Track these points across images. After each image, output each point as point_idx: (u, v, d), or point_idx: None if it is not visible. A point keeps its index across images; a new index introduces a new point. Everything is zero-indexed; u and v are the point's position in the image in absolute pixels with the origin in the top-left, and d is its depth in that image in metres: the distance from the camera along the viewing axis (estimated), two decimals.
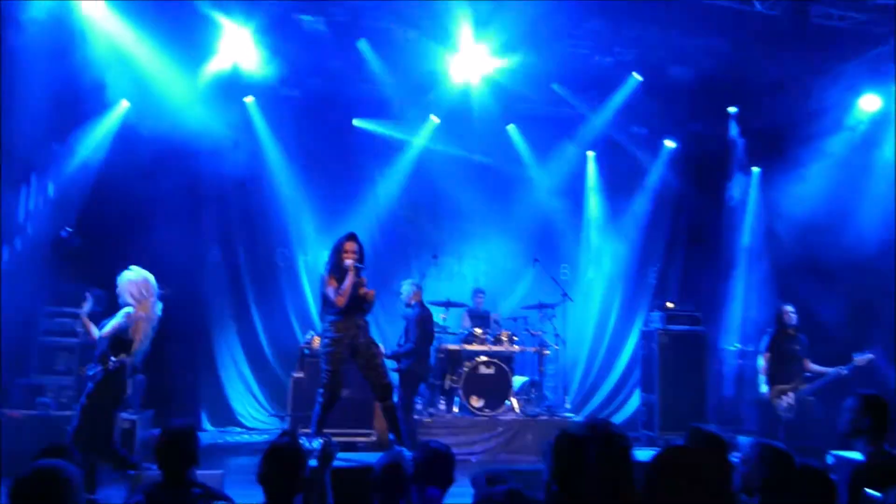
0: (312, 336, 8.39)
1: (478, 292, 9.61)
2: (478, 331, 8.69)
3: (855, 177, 8.54)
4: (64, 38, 7.02)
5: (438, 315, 8.72)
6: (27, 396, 7.02)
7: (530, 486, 2.75)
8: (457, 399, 8.29)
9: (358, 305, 5.67)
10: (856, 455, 4.08)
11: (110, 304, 5.63)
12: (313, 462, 3.58)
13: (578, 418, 8.81)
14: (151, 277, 5.56)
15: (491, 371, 8.23)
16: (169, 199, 8.42)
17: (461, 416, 8.25)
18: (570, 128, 10.44)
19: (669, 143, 10.76)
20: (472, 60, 8.29)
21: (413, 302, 7.79)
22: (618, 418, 10.19)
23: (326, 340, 5.60)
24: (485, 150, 10.59)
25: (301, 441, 3.28)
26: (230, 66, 8.31)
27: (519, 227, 10.54)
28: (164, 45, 7.87)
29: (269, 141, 9.86)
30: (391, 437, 5.93)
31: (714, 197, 10.56)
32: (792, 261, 9.15)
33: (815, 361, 7.41)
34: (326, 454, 3.70)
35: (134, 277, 5.47)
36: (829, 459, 4.94)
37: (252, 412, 9.75)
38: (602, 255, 11.23)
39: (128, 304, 5.38)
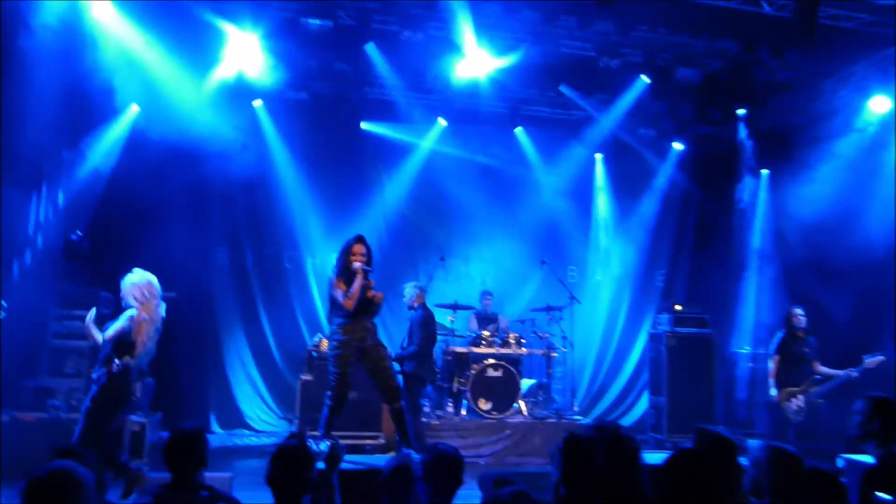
0: (320, 338, 8.40)
1: (486, 294, 9.61)
2: (485, 333, 8.69)
3: (864, 179, 8.49)
4: (74, 42, 7.06)
5: (446, 317, 8.73)
6: (37, 399, 7.05)
7: (538, 489, 2.75)
8: (464, 402, 8.29)
9: (366, 308, 5.67)
10: (866, 458, 4.06)
11: (119, 307, 5.66)
12: (321, 465, 3.59)
13: (586, 421, 8.79)
14: (155, 279, 5.58)
15: (499, 374, 8.22)
16: (177, 202, 8.46)
17: (469, 418, 8.25)
18: (577, 130, 10.45)
19: (677, 145, 10.73)
20: (479, 63, 8.29)
21: (416, 304, 7.79)
22: (626, 421, 10.17)
23: (334, 343, 5.61)
24: (492, 152, 10.62)
25: (309, 443, 3.29)
26: (238, 71, 8.34)
27: (526, 229, 10.54)
28: (173, 49, 7.90)
29: (278, 144, 9.91)
30: (398, 439, 5.92)
31: (722, 199, 10.54)
32: (801, 263, 9.11)
33: (825, 364, 7.37)
34: (334, 456, 3.70)
35: (137, 280, 5.49)
36: (840, 463, 4.91)
37: (260, 415, 9.77)
38: (610, 258, 11.22)
39: (131, 307, 5.41)
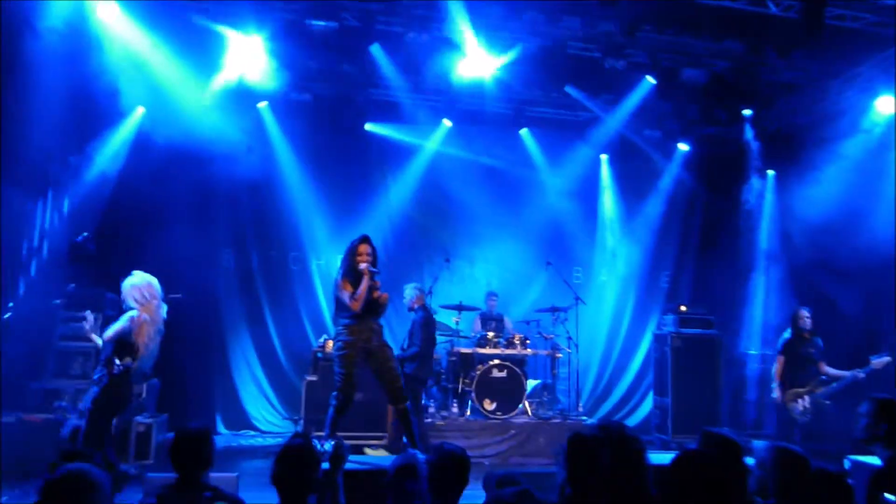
0: (325, 339, 8.42)
1: (491, 295, 9.61)
2: (490, 334, 8.69)
3: (870, 179, 8.46)
4: (79, 45, 7.09)
5: (451, 318, 8.74)
6: (44, 400, 7.08)
7: (542, 489, 2.75)
8: (469, 402, 8.29)
9: (372, 309, 5.67)
10: (873, 459, 4.05)
11: (123, 309, 5.68)
12: (325, 465, 3.59)
13: (591, 421, 8.79)
14: (155, 281, 5.60)
15: (503, 374, 8.23)
16: (183, 204, 8.49)
17: (474, 418, 8.25)
18: (582, 131, 10.45)
19: (683, 146, 10.71)
20: (483, 64, 8.29)
21: (416, 306, 7.82)
22: (631, 422, 10.14)
23: (340, 343, 5.60)
24: (497, 153, 10.62)
25: (313, 443, 3.30)
26: (243, 72, 8.36)
27: (531, 231, 10.55)
28: (178, 51, 7.94)
29: (282, 146, 9.95)
30: (404, 440, 5.92)
31: (728, 200, 10.51)
32: (808, 264, 9.08)
33: (831, 365, 7.34)
34: (338, 456, 3.70)
35: (137, 282, 5.51)
36: (846, 464, 4.89)
37: (266, 415, 9.79)
38: (615, 258, 11.21)
39: (131, 308, 5.43)
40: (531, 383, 8.75)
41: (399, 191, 10.58)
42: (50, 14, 6.67)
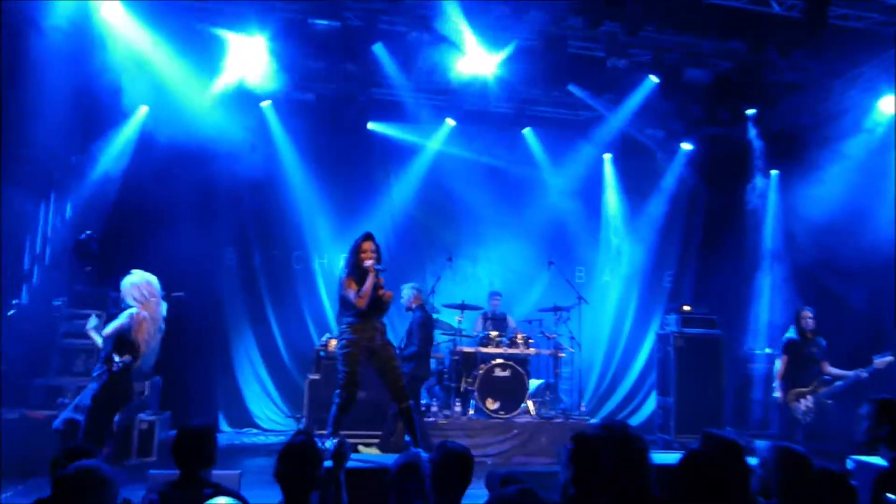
0: (328, 338, 8.43)
1: (494, 295, 9.61)
2: (493, 333, 8.70)
3: (874, 179, 8.45)
4: (83, 43, 7.11)
5: (454, 318, 8.75)
6: (47, 397, 7.11)
7: (545, 489, 2.75)
8: (472, 401, 8.30)
9: (376, 307, 5.67)
10: (877, 460, 4.04)
11: (123, 307, 5.70)
12: (328, 463, 3.60)
13: (594, 421, 8.79)
14: (154, 279, 5.63)
15: (506, 374, 8.23)
16: (186, 203, 8.51)
17: (476, 418, 8.25)
18: (585, 130, 10.44)
19: (686, 146, 10.70)
20: (486, 63, 8.29)
21: (414, 306, 7.86)
22: (634, 421, 10.13)
23: (343, 342, 5.61)
24: (499, 153, 10.62)
25: (316, 440, 3.31)
26: (246, 72, 8.37)
27: (534, 230, 10.54)
28: (181, 50, 7.95)
29: (285, 145, 9.95)
30: (407, 439, 5.93)
31: (731, 199, 10.50)
32: (811, 263, 9.07)
33: (834, 364, 7.34)
34: (340, 454, 3.71)
35: (136, 280, 5.55)
36: (850, 464, 4.88)
37: (269, 414, 9.81)
38: (618, 258, 11.20)
39: (130, 307, 5.45)
40: (534, 383, 8.75)
41: (402, 190, 10.58)
42: (54, 13, 6.69)
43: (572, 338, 8.99)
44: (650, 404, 10.35)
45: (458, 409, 8.39)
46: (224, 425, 9.44)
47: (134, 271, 5.62)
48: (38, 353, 7.28)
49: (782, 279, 9.90)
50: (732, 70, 8.55)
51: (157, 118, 8.42)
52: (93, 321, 5.78)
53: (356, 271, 5.61)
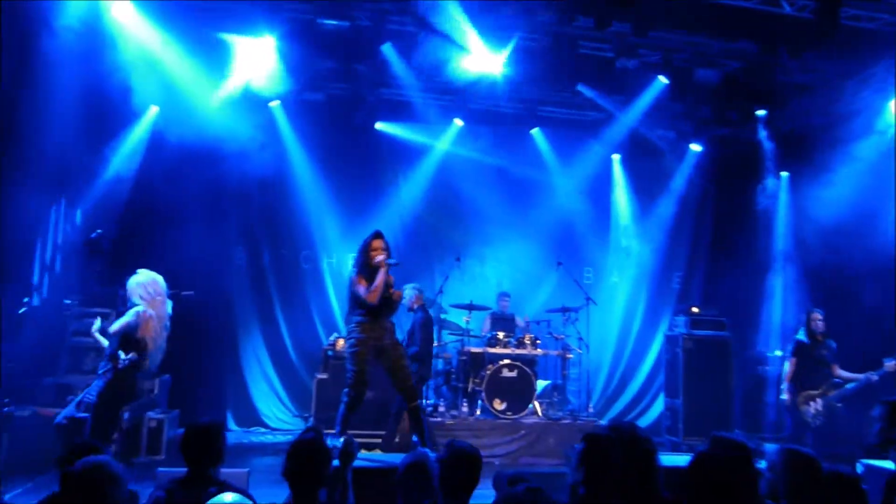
0: (336, 338, 8.45)
1: (503, 295, 9.61)
2: (501, 334, 8.69)
3: (885, 181, 8.38)
4: (94, 43, 7.15)
5: (462, 318, 8.75)
6: (57, 395, 7.15)
7: (553, 490, 2.75)
8: (479, 402, 8.29)
9: (386, 306, 5.68)
10: (887, 464, 4.01)
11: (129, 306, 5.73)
12: (336, 461, 3.61)
13: (602, 422, 8.76)
14: (160, 278, 5.68)
15: (514, 374, 8.22)
16: (195, 203, 8.53)
17: (483, 418, 8.24)
18: (593, 131, 10.42)
19: (695, 147, 10.66)
20: (494, 64, 8.28)
21: (416, 306, 7.88)
22: (642, 423, 10.04)
23: (352, 341, 5.61)
24: (508, 153, 10.60)
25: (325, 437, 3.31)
26: (255, 72, 8.39)
27: (542, 231, 10.52)
28: (192, 50, 7.99)
29: (294, 145, 9.98)
30: (414, 438, 5.93)
31: (740, 201, 10.45)
32: (821, 265, 9.01)
33: (844, 367, 7.29)
34: (347, 453, 3.72)
35: (142, 279, 5.61)
36: (859, 468, 4.85)
37: (276, 413, 9.84)
38: (628, 259, 11.17)
39: (136, 305, 5.49)
40: (541, 383, 8.73)
41: (410, 190, 10.59)
42: (66, 13, 6.73)
43: (580, 339, 8.96)
44: (658, 406, 10.32)
45: (465, 409, 8.39)
46: (232, 424, 9.49)
47: (140, 271, 5.68)
48: (49, 352, 7.33)
49: (793, 281, 9.84)
50: (742, 71, 8.51)
51: (168, 118, 8.46)
52: (98, 324, 5.83)
53: (366, 269, 5.61)
